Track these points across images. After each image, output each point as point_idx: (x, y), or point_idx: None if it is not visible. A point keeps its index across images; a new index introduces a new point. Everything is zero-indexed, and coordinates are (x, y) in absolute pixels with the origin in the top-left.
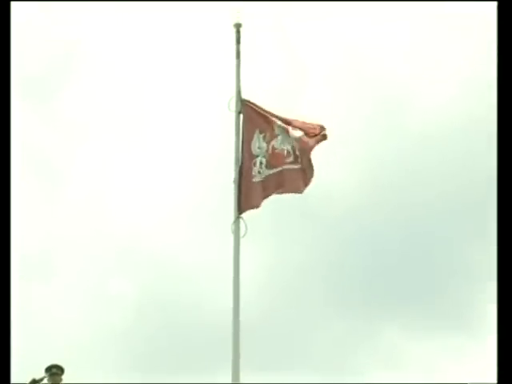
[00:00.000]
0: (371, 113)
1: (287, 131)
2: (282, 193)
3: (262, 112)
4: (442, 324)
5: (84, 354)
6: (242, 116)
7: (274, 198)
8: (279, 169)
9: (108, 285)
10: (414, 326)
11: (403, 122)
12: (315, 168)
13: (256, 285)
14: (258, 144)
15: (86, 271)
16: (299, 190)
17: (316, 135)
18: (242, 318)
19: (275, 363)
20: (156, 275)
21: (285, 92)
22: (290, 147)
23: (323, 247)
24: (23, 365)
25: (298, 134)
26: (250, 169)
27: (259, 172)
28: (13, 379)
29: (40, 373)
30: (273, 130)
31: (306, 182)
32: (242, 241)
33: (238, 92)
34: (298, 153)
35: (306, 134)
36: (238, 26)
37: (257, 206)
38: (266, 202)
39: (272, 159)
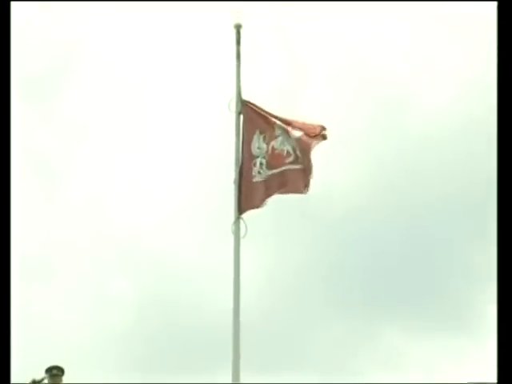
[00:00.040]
0: (371, 113)
1: (287, 132)
2: (285, 193)
3: (262, 113)
4: (442, 325)
5: (84, 354)
6: (242, 117)
7: (273, 198)
8: (280, 169)
9: (108, 285)
10: (414, 327)
11: (403, 122)
12: (315, 168)
13: (256, 285)
14: (258, 144)
15: (86, 272)
16: (302, 191)
17: (316, 135)
18: (242, 318)
19: (275, 364)
20: (156, 276)
21: (285, 92)
22: (290, 148)
23: (323, 248)
24: (23, 366)
25: (298, 134)
26: (250, 169)
27: (259, 172)
28: (13, 380)
29: (40, 374)
30: (273, 130)
31: (308, 183)
32: (242, 241)
33: (239, 93)
34: (299, 153)
35: (307, 134)
36: (238, 27)
37: (259, 206)
38: (266, 203)
39: (272, 160)
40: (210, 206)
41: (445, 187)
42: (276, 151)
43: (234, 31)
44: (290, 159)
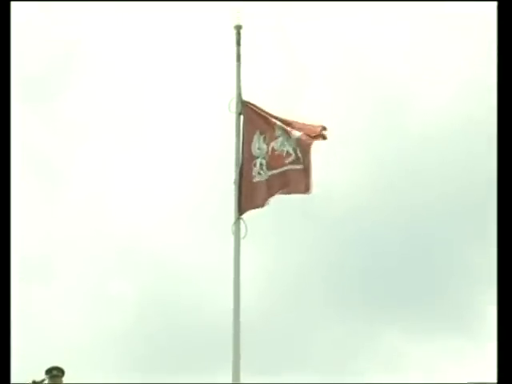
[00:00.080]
0: (371, 113)
1: (288, 132)
2: (287, 193)
3: (262, 113)
4: (442, 326)
5: (84, 355)
6: (242, 117)
7: (273, 198)
8: (281, 169)
9: (108, 286)
10: (414, 328)
11: (403, 122)
12: (315, 168)
13: (256, 286)
14: (258, 145)
15: (86, 272)
16: (303, 191)
17: (316, 135)
18: (242, 319)
19: (275, 364)
20: (156, 276)
21: (285, 92)
22: (290, 148)
23: (323, 248)
24: (23, 367)
25: (298, 134)
26: (250, 170)
27: (259, 173)
28: (13, 381)
29: (40, 375)
30: (273, 131)
31: (310, 183)
32: (242, 242)
33: (239, 93)
34: (299, 154)
35: (307, 134)
36: (238, 28)
37: (261, 206)
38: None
39: (272, 160)
40: (210, 206)
41: (445, 187)
42: (276, 152)
43: (234, 32)
44: (290, 159)
